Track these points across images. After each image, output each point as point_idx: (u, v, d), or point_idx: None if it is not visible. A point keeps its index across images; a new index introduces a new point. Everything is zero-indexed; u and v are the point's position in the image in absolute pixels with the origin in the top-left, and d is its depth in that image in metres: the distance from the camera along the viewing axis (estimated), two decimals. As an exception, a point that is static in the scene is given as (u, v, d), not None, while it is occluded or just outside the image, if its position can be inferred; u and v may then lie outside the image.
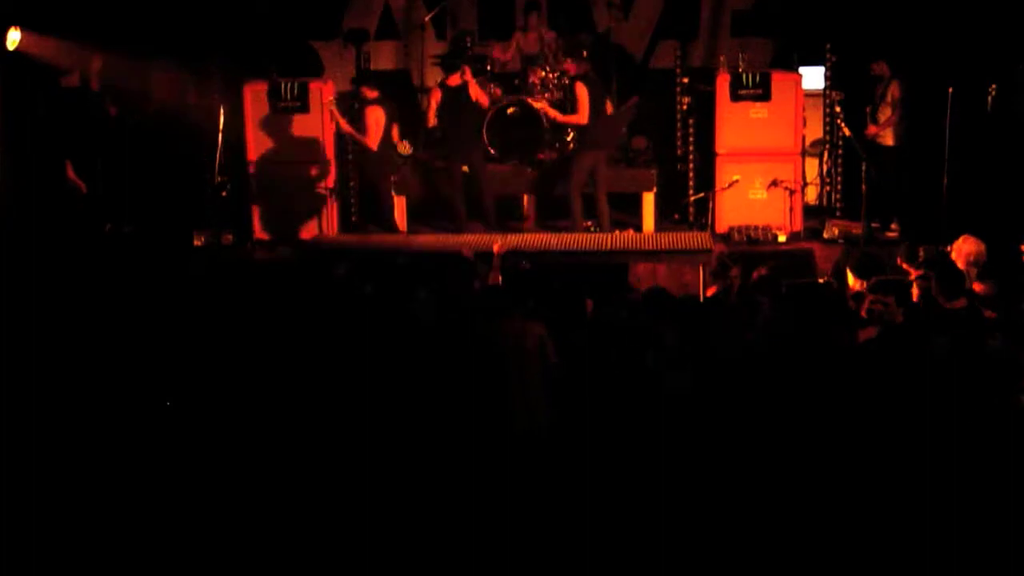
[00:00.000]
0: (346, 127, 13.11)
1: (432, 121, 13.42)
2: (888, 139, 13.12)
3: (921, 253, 10.79)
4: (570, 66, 13.19)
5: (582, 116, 12.97)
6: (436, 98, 13.33)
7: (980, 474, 6.53)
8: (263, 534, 7.04)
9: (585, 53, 13.32)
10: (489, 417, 7.66)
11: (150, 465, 7.73)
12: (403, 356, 8.17)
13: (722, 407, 7.11)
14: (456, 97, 13.15)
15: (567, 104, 13.51)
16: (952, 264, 9.27)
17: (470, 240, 12.31)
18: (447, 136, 13.38)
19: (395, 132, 13.27)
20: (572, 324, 8.34)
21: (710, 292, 10.05)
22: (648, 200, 13.44)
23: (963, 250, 9.65)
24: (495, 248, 10.71)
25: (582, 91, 12.96)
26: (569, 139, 13.59)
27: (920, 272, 9.87)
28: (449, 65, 13.64)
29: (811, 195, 13.99)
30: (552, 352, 7.93)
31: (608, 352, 7.72)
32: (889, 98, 12.95)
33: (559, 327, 8.12)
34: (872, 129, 13.05)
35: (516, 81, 14.23)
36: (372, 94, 13.01)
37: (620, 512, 6.74)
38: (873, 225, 13.04)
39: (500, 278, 10.18)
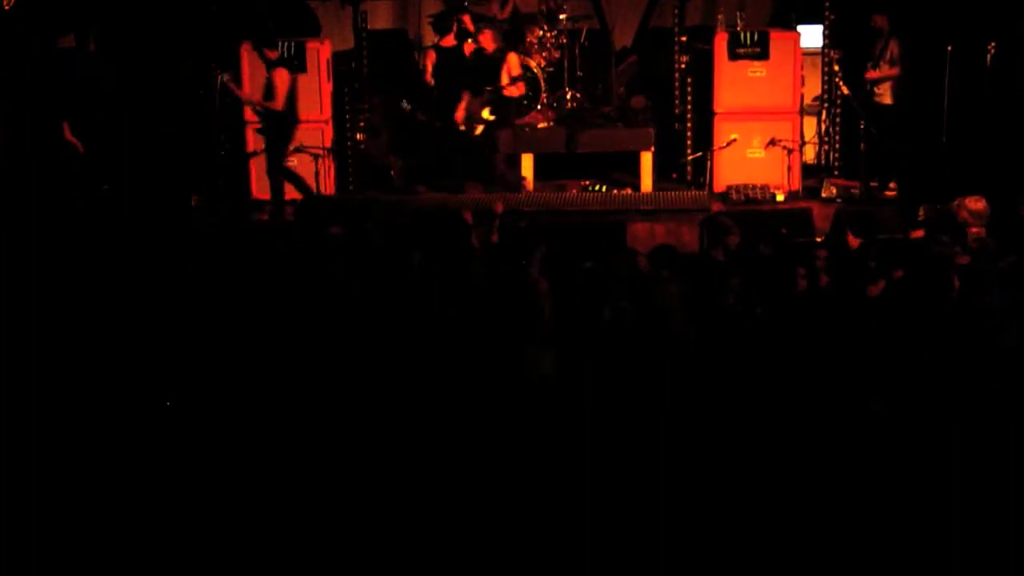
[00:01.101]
0: (248, 96, 13.11)
1: (430, 81, 13.41)
2: (887, 98, 13.08)
3: (921, 212, 10.80)
4: (488, 41, 13.20)
5: (520, 87, 13.08)
6: (431, 60, 13.35)
7: (982, 432, 6.57)
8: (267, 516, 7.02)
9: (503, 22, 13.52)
10: (496, 368, 7.68)
11: (151, 447, 7.70)
12: (403, 314, 8.19)
13: (727, 363, 7.15)
14: (450, 57, 13.16)
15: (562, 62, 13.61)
16: (959, 223, 9.33)
17: (470, 199, 12.36)
18: (443, 96, 13.35)
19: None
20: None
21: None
22: (646, 159, 13.42)
23: (970, 208, 9.67)
24: (497, 208, 10.75)
25: (515, 60, 13.02)
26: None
27: (920, 232, 9.92)
28: (441, 26, 13.62)
29: (809, 154, 13.97)
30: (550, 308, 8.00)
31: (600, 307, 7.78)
32: (888, 55, 12.92)
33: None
34: (872, 73, 12.94)
35: (513, 40, 14.18)
36: (273, 54, 12.99)
37: (623, 470, 6.77)
38: (871, 184, 13.04)
39: (497, 236, 10.25)
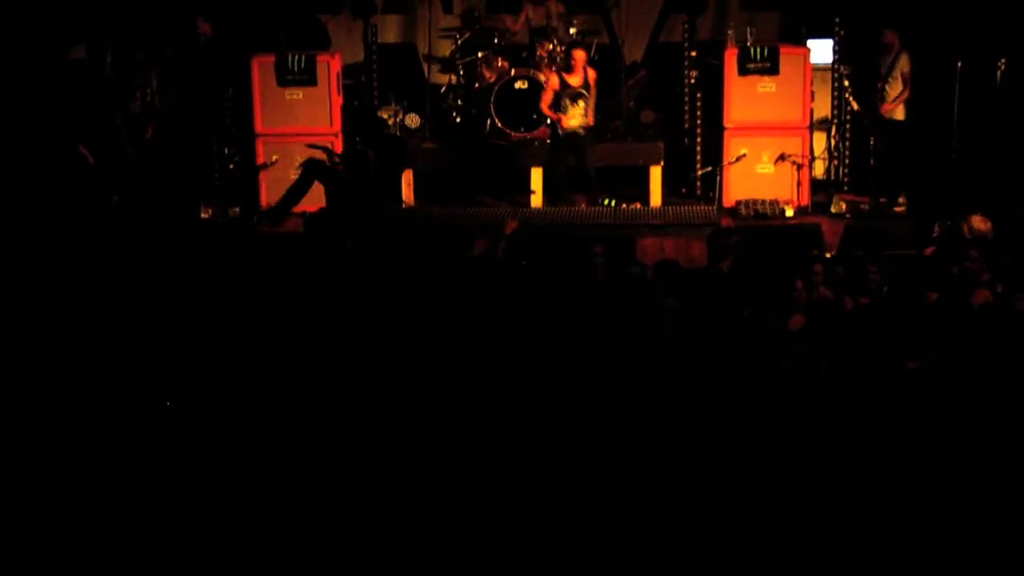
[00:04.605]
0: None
1: None
2: (897, 113, 13.07)
3: (936, 228, 10.77)
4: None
5: None
6: None
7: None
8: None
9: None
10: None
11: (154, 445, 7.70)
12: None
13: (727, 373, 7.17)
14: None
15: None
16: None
17: (480, 213, 12.50)
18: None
19: None
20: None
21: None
22: (655, 174, 13.43)
23: (974, 227, 9.66)
24: (508, 225, 10.86)
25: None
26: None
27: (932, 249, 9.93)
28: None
29: (819, 169, 13.95)
30: None
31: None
32: (897, 72, 12.91)
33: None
34: (886, 107, 12.96)
35: (524, 54, 14.20)
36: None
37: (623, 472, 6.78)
38: (881, 199, 13.02)
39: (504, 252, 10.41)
